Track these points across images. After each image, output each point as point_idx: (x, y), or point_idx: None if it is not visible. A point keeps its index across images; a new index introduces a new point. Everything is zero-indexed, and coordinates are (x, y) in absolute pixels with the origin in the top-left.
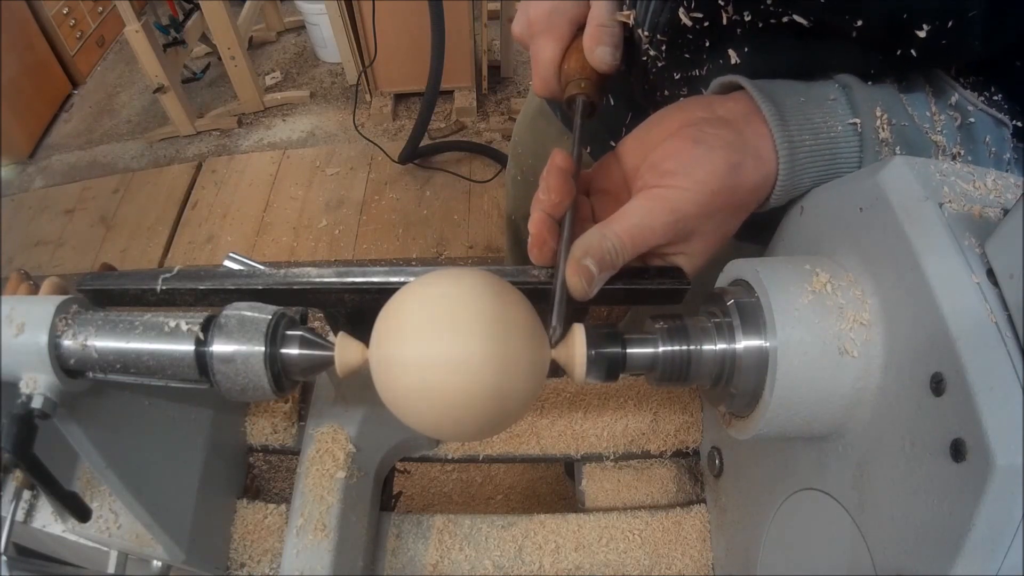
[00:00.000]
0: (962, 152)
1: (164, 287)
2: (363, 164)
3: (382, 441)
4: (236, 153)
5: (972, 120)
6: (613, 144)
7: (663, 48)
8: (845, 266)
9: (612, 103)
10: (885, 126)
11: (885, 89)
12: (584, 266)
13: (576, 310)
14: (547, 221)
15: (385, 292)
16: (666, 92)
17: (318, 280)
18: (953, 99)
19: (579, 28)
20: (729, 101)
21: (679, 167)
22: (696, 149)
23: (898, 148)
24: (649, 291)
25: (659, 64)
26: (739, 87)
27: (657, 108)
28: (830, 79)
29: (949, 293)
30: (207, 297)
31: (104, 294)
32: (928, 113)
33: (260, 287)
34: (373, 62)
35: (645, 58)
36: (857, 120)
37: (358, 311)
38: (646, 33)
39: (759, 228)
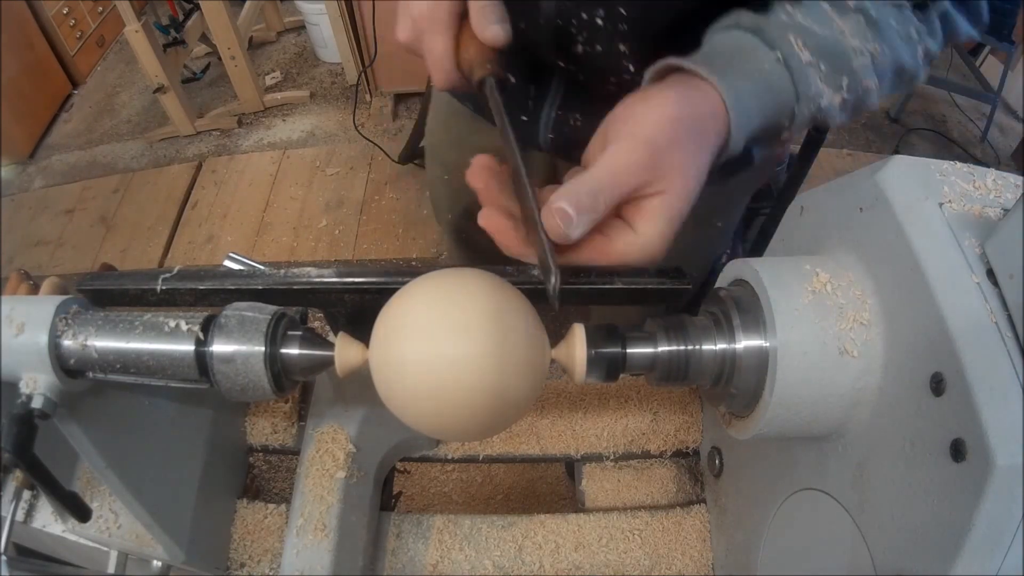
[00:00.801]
0: (879, 48)
1: (164, 287)
2: (363, 164)
3: (382, 441)
4: (236, 153)
5: (874, 14)
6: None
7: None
8: (845, 266)
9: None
10: (803, 49)
11: (787, 14)
12: (559, 207)
13: (577, 311)
14: (499, 216)
15: (385, 292)
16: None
17: (318, 280)
18: (850, 2)
19: (462, 15)
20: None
21: (637, 112)
22: (649, 98)
23: (822, 64)
24: (649, 291)
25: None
26: (671, 72)
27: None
28: (735, 28)
29: (949, 293)
30: (207, 297)
31: (104, 294)
32: (835, 25)
33: (260, 287)
34: (373, 62)
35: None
36: (778, 52)
37: (358, 311)
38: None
39: (733, 169)
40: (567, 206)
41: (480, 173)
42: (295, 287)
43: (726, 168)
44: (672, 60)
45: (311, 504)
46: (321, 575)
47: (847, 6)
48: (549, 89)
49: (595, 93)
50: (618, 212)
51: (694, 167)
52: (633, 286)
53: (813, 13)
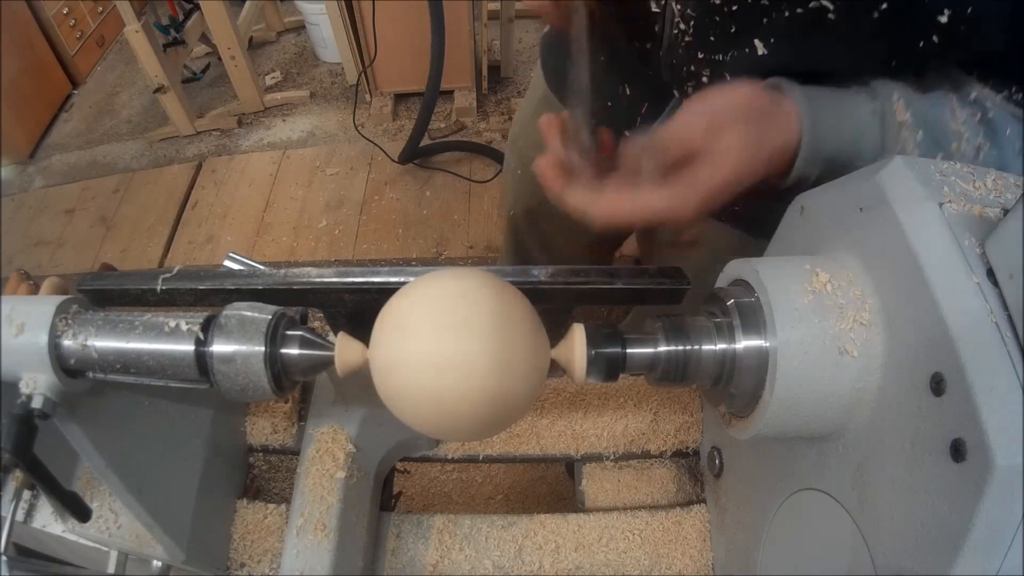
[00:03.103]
0: (986, 144)
1: (164, 287)
2: (363, 164)
3: (382, 441)
4: (236, 153)
5: (991, 116)
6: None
7: (692, 24)
8: (845, 266)
9: (628, 92)
10: (903, 110)
11: (905, 83)
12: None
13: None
14: (552, 164)
15: (385, 292)
16: (691, 68)
17: (318, 280)
18: (972, 95)
19: None
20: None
21: (715, 90)
22: (732, 84)
23: (920, 133)
24: (649, 291)
25: (686, 39)
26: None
27: (679, 85)
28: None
29: (949, 293)
30: (207, 297)
31: (104, 294)
32: (949, 107)
33: (260, 287)
34: (373, 62)
35: (675, 31)
36: (877, 103)
37: (358, 311)
38: (678, 6)
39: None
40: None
41: (551, 122)
42: (295, 287)
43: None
44: (774, 79)
45: (311, 504)
46: (321, 575)
47: (967, 96)
48: (663, 110)
49: None
50: (663, 175)
51: (747, 154)
52: (633, 286)
53: (930, 88)
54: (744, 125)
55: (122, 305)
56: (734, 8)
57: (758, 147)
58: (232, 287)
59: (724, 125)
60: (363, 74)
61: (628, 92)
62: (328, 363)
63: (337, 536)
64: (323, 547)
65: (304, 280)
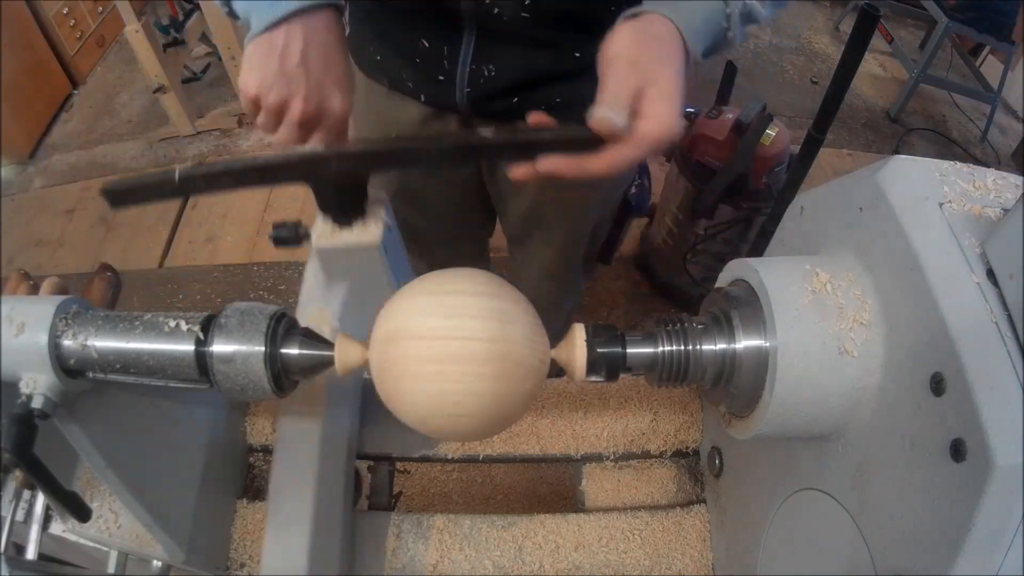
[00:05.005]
0: None
1: (181, 176)
2: None
3: (347, 429)
4: (236, 153)
5: None
6: None
7: None
8: (845, 266)
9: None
10: None
11: None
12: (603, 117)
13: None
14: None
15: (366, 157)
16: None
17: (310, 152)
18: None
19: None
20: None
21: (607, 45)
22: (612, 35)
23: None
24: (556, 140)
25: None
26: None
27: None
28: None
29: (949, 293)
30: (218, 180)
31: (126, 192)
32: None
33: (262, 164)
34: None
35: None
36: None
37: (344, 184)
38: None
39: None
40: (608, 113)
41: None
42: (292, 160)
43: (708, 55)
44: (633, 9)
45: (287, 501)
46: (299, 575)
47: None
48: (461, 45)
49: (504, 41)
50: (637, 112)
51: (668, 61)
52: (538, 138)
53: None
54: (651, 48)
55: (141, 203)
56: None
57: (672, 54)
58: (240, 168)
59: (637, 58)
60: None
61: (427, 44)
62: (328, 363)
63: (312, 530)
64: (299, 544)
65: (299, 154)
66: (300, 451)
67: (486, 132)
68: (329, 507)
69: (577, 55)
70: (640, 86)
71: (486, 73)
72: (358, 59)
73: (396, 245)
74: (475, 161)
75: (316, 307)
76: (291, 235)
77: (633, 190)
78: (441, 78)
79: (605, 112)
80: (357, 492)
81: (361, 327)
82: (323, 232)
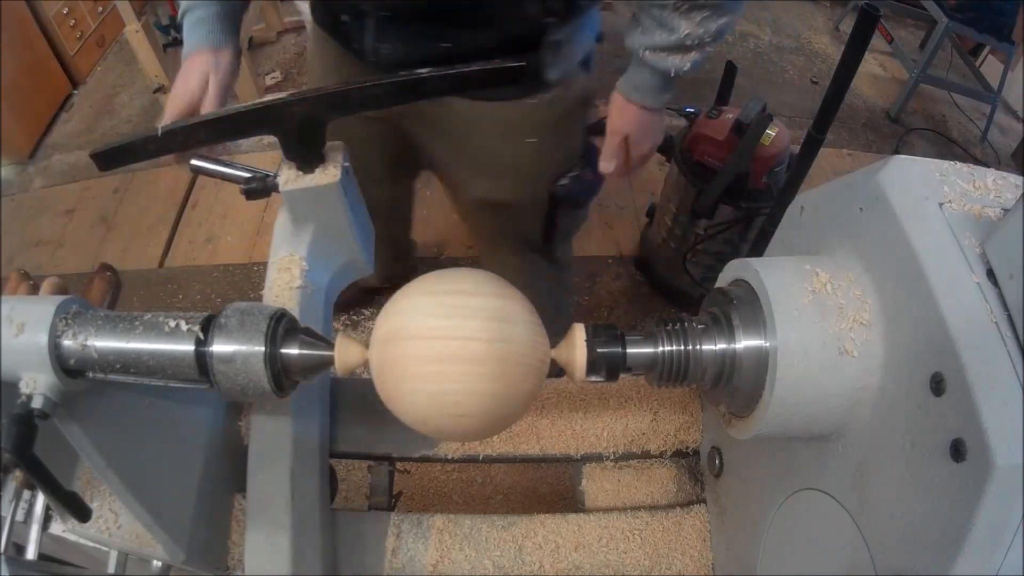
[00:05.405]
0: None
1: (163, 131)
2: None
3: (318, 425)
4: (236, 153)
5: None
6: None
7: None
8: (845, 266)
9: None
10: (656, 54)
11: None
12: (606, 165)
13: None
14: None
15: (322, 99)
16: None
17: (271, 99)
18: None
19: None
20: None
21: (609, 118)
22: (610, 113)
23: (670, 56)
24: (483, 71)
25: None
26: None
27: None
28: (639, 66)
29: (949, 293)
30: (196, 133)
31: (112, 153)
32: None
33: (232, 113)
34: None
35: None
36: (649, 69)
37: (307, 128)
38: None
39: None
40: (608, 164)
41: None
42: (259, 107)
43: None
44: (617, 85)
45: (264, 500)
46: (281, 574)
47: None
48: (365, 27)
49: (397, 26)
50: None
51: (640, 120)
52: (473, 69)
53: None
54: (632, 119)
55: (129, 162)
56: None
57: (643, 116)
58: (213, 118)
59: (623, 128)
60: None
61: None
62: (328, 363)
63: (292, 526)
64: (280, 542)
65: (263, 101)
66: (273, 450)
67: (423, 72)
68: (306, 504)
69: (455, 46)
70: (622, 140)
71: (383, 52)
72: (315, 15)
73: (352, 186)
74: (418, 97)
75: (287, 252)
76: (261, 187)
77: (564, 180)
78: (356, 47)
79: (604, 165)
80: (333, 490)
81: (327, 264)
82: (289, 178)
